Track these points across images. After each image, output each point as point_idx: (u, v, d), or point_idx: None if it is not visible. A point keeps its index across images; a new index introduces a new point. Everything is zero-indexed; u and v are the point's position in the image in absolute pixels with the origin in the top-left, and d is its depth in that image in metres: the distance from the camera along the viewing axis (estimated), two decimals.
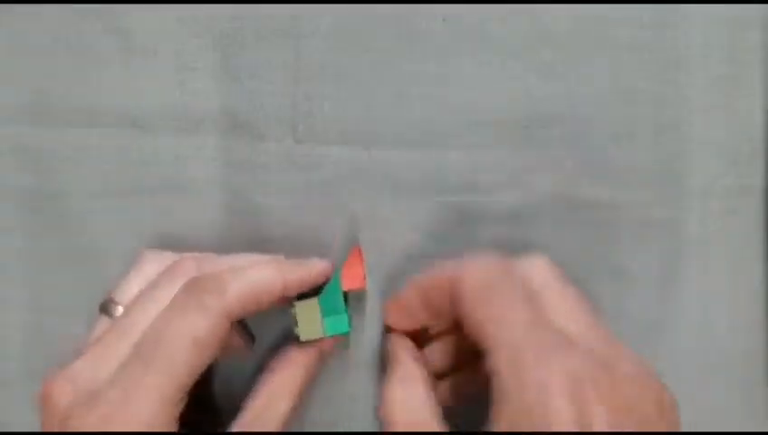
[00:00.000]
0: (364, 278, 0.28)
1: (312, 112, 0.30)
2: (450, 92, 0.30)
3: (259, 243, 0.30)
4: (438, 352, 0.29)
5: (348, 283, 0.28)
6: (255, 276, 0.26)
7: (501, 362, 0.23)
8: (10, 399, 0.31)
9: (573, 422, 0.21)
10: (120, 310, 0.27)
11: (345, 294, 0.27)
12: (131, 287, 0.27)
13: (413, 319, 0.27)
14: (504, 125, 0.30)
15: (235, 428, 0.26)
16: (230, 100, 0.30)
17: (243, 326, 0.29)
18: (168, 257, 0.28)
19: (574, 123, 0.30)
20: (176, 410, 0.24)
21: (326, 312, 0.27)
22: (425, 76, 0.30)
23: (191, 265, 0.27)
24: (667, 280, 0.31)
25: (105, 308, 0.27)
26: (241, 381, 0.30)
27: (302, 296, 0.28)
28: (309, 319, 0.27)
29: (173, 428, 0.24)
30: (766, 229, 0.31)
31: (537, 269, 0.26)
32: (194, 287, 0.25)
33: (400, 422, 0.25)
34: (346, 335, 0.28)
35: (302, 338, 0.27)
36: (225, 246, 0.30)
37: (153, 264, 0.27)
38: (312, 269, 0.27)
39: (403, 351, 0.27)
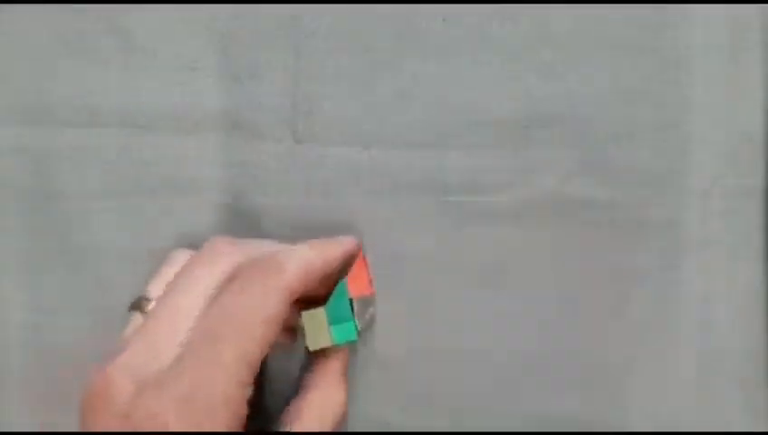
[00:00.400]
0: (370, 285, 0.28)
1: (312, 112, 0.30)
2: (450, 92, 0.30)
3: None
4: None
5: (354, 290, 0.28)
6: (304, 257, 0.26)
7: None
8: (10, 399, 0.31)
9: None
10: (154, 305, 0.26)
11: (351, 302, 0.28)
12: (164, 283, 0.27)
13: None
14: (504, 125, 0.30)
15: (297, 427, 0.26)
16: (230, 100, 0.30)
17: None
18: None
19: (574, 123, 0.30)
20: (247, 393, 0.24)
21: (333, 320, 0.27)
22: (425, 76, 0.30)
23: (228, 245, 0.26)
24: (667, 280, 0.31)
25: (137, 305, 0.26)
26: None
27: (309, 306, 0.28)
28: (316, 328, 0.27)
29: (245, 412, 0.23)
30: (766, 229, 0.31)
31: None
32: (255, 268, 0.25)
33: None
34: (354, 343, 0.28)
35: (311, 348, 0.27)
36: None
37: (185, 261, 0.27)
38: (346, 245, 0.28)
39: None
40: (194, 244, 0.30)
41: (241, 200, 0.31)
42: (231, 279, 0.25)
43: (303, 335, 0.27)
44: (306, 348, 0.27)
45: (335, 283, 0.28)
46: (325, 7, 0.30)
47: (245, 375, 0.23)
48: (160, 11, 0.30)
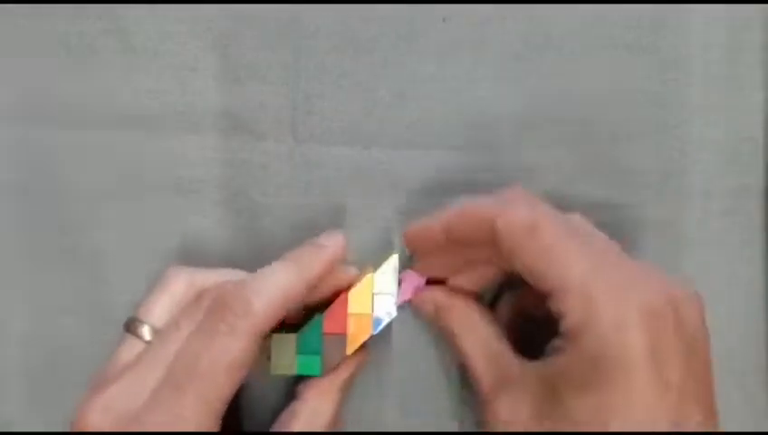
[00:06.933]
0: (346, 324, 0.27)
1: (312, 112, 0.30)
2: (450, 92, 0.30)
3: (258, 243, 0.30)
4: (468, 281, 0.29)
5: (329, 326, 0.27)
6: (278, 285, 0.25)
7: (571, 303, 0.23)
8: (10, 398, 0.31)
9: (648, 354, 0.22)
10: (146, 329, 0.26)
11: (323, 337, 0.27)
12: (157, 306, 0.26)
13: (439, 250, 0.27)
14: (504, 125, 0.30)
15: None
16: (230, 100, 0.30)
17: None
18: (193, 274, 0.27)
19: (574, 123, 0.30)
20: (213, 430, 0.24)
21: (301, 349, 0.27)
22: (425, 76, 0.30)
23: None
24: None
25: (130, 327, 0.26)
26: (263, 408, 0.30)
27: (284, 327, 0.27)
28: (283, 353, 0.27)
29: None
30: (766, 229, 0.31)
31: (578, 219, 0.26)
32: (220, 310, 0.24)
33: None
34: (315, 376, 0.27)
35: (272, 372, 0.27)
36: (225, 246, 0.31)
37: (179, 282, 0.27)
38: (329, 254, 0.27)
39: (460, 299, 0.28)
40: (191, 246, 0.31)
41: (241, 200, 0.31)
42: (203, 320, 0.25)
43: (269, 357, 0.27)
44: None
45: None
46: (325, 7, 0.30)
47: (207, 421, 0.23)
48: (160, 11, 0.30)
